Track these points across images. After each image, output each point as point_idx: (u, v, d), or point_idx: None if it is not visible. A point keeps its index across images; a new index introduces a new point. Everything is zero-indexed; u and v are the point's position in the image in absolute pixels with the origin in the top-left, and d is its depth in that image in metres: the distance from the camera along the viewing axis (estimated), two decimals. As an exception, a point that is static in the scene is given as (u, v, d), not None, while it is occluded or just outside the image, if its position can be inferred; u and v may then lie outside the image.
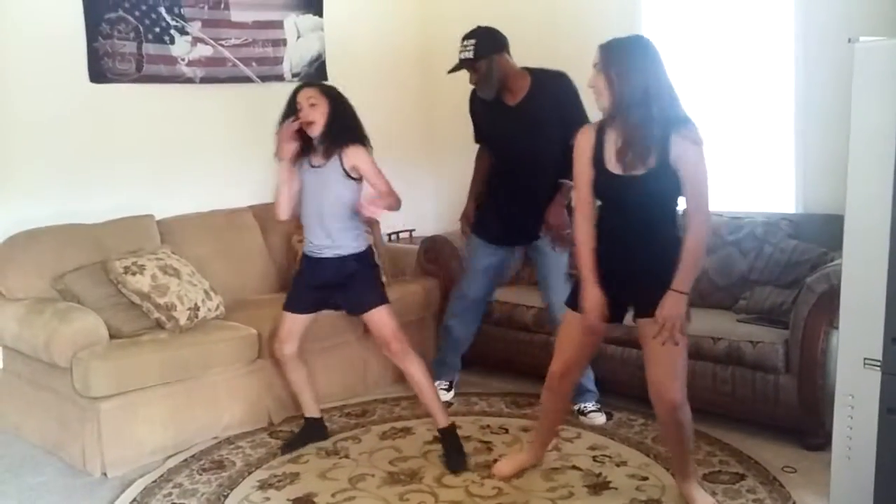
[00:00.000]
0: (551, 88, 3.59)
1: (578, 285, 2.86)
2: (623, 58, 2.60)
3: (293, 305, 3.45)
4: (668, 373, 2.72)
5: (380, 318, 3.35)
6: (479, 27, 3.67)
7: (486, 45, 3.60)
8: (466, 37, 3.64)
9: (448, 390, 4.07)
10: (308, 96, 3.26)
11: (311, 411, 3.59)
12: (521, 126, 3.60)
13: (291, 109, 3.29)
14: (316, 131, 3.27)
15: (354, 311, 3.47)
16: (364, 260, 3.39)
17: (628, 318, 2.88)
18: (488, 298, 4.06)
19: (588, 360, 3.09)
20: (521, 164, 3.65)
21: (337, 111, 3.29)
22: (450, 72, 3.69)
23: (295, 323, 3.45)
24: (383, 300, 3.38)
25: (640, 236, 2.69)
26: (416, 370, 3.34)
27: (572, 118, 3.36)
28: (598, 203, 2.82)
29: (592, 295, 2.75)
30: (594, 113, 2.86)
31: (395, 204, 3.34)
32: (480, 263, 3.92)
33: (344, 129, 3.29)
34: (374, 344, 4.11)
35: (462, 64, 3.63)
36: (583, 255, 2.78)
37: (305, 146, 3.31)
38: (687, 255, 2.62)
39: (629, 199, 2.68)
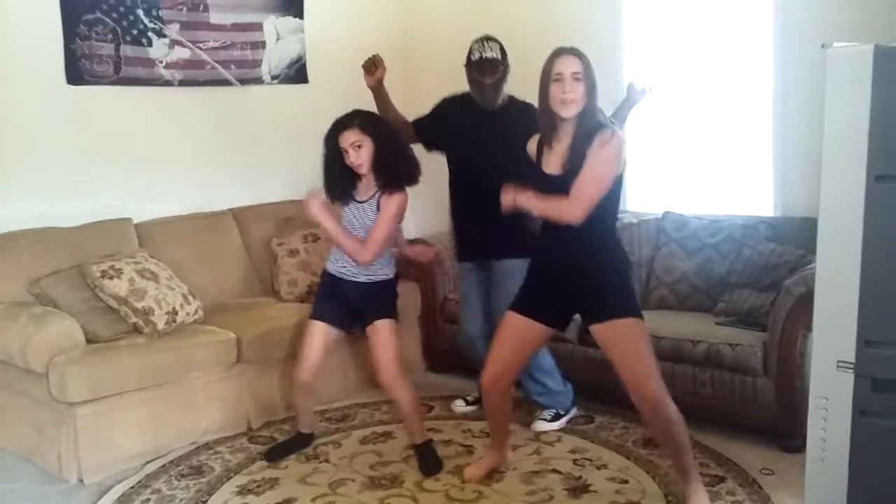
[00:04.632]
0: (527, 113, 3.39)
1: (522, 289, 2.96)
2: (591, 69, 2.73)
3: (322, 314, 3.38)
4: (639, 370, 2.74)
5: (383, 331, 3.30)
6: (491, 35, 3.60)
7: (507, 55, 3.57)
8: (487, 38, 3.56)
9: (467, 403, 4.03)
10: (352, 141, 3.21)
11: (307, 429, 3.57)
12: (498, 132, 3.52)
13: (332, 149, 3.25)
14: (364, 170, 3.25)
15: (363, 323, 3.37)
16: (391, 283, 3.39)
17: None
18: (486, 330, 3.74)
19: (524, 364, 3.09)
20: (487, 173, 3.37)
21: (381, 146, 3.23)
22: (467, 65, 3.57)
23: (324, 338, 3.37)
24: (391, 315, 3.35)
25: (576, 235, 2.73)
26: (401, 397, 3.33)
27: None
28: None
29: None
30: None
31: (358, 256, 3.23)
32: (463, 288, 3.91)
33: (392, 170, 3.25)
34: (354, 349, 4.12)
35: (487, 62, 3.52)
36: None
37: (350, 181, 3.30)
38: (550, 200, 2.72)
39: (555, 196, 2.75)
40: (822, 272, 2.39)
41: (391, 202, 3.24)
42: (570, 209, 2.68)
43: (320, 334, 3.37)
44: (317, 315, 3.40)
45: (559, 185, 2.73)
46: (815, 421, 2.45)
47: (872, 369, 2.31)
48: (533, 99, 2.91)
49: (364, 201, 3.29)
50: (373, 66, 3.70)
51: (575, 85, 2.69)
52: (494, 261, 3.71)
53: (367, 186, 3.30)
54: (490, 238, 3.67)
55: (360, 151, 3.21)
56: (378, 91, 3.76)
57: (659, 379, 2.74)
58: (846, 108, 2.26)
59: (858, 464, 2.36)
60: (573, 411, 3.80)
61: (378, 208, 3.25)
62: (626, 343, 2.75)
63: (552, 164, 2.79)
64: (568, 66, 2.70)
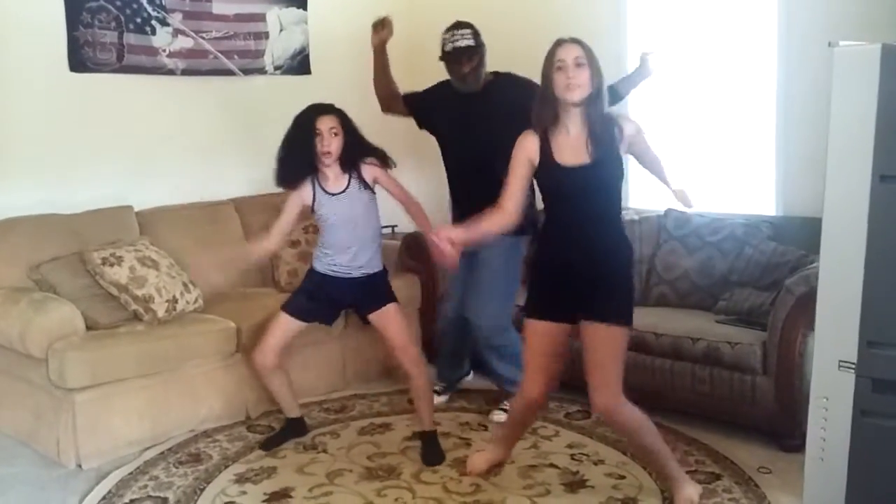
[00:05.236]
0: (517, 83, 3.54)
1: (532, 293, 2.94)
2: (594, 56, 2.74)
3: (296, 310, 3.39)
4: (603, 380, 2.75)
5: (397, 313, 3.35)
6: (460, 20, 3.61)
7: (478, 34, 3.58)
8: (459, 26, 3.58)
9: (439, 394, 4.01)
10: (330, 126, 3.22)
11: (293, 413, 3.57)
12: (487, 111, 3.52)
13: (306, 131, 3.22)
14: (331, 161, 3.25)
15: (367, 311, 3.40)
16: (383, 275, 3.43)
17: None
18: (459, 316, 3.80)
19: (562, 367, 3.01)
20: (482, 154, 3.47)
21: (350, 142, 3.28)
22: (442, 58, 3.59)
23: (289, 330, 3.40)
24: (394, 299, 3.40)
25: (590, 228, 2.76)
26: (420, 376, 3.36)
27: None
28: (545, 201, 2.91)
29: (457, 230, 2.90)
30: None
31: (420, 209, 3.41)
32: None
33: (355, 148, 3.29)
34: (354, 340, 4.12)
35: (461, 52, 3.53)
36: (482, 222, 2.86)
37: (306, 170, 3.28)
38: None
39: (582, 187, 2.75)
40: (825, 271, 2.39)
41: (374, 167, 3.32)
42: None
43: (285, 326, 3.39)
44: (288, 310, 3.40)
45: (588, 175, 2.72)
46: (815, 420, 2.45)
47: (874, 370, 2.31)
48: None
49: (342, 191, 3.29)
50: (380, 26, 3.70)
51: (578, 70, 2.69)
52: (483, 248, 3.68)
53: (336, 176, 3.30)
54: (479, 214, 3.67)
55: (334, 139, 3.22)
56: (380, 53, 3.76)
57: (618, 390, 2.75)
58: (852, 107, 2.26)
59: (858, 464, 2.36)
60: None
61: (366, 185, 3.30)
62: (605, 349, 2.76)
63: (568, 156, 2.75)
64: (570, 52, 2.70)
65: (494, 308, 3.67)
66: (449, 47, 3.56)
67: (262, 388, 3.79)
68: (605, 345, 2.76)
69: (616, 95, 3.51)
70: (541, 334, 2.88)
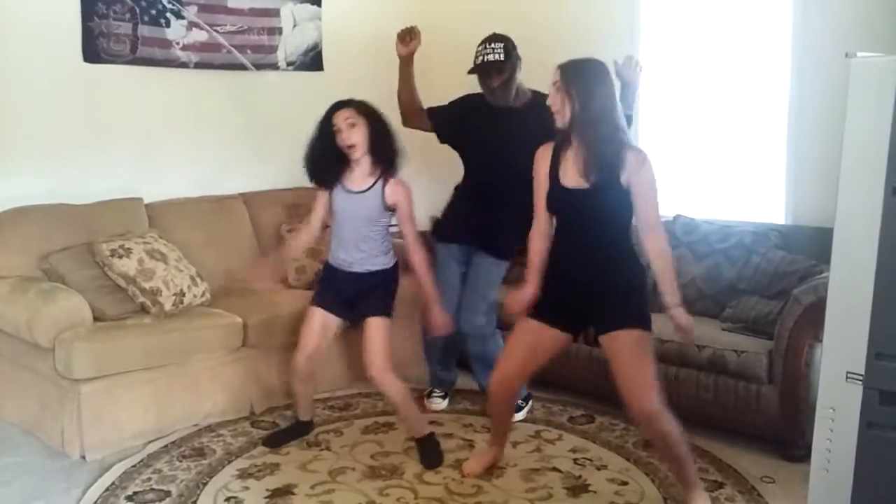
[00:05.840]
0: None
1: (538, 300, 2.94)
2: (585, 78, 2.69)
3: (322, 301, 3.35)
4: (638, 385, 2.73)
5: (376, 328, 3.26)
6: (497, 33, 3.57)
7: (512, 49, 3.53)
8: (491, 40, 3.53)
9: (443, 398, 3.99)
10: (346, 117, 3.17)
11: (307, 416, 3.56)
12: (517, 129, 3.49)
13: (326, 131, 3.19)
14: (358, 154, 3.19)
15: (359, 317, 3.35)
16: (390, 274, 3.36)
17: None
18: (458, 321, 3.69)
19: (533, 371, 3.05)
20: (504, 172, 3.49)
21: (376, 131, 3.20)
22: (471, 72, 3.56)
23: (321, 325, 3.33)
24: (386, 312, 3.30)
25: (596, 249, 2.76)
26: (390, 391, 3.30)
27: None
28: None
29: (529, 292, 2.92)
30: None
31: (422, 257, 3.29)
32: (443, 276, 3.72)
33: (388, 155, 3.22)
34: (358, 338, 4.11)
35: (489, 66, 3.49)
36: (532, 262, 2.93)
37: (337, 168, 3.24)
38: (665, 270, 2.78)
39: (581, 211, 2.75)
40: (835, 282, 2.38)
41: (405, 192, 3.24)
42: (663, 240, 2.78)
43: (319, 320, 3.35)
44: (317, 301, 3.38)
45: (586, 199, 2.72)
46: (821, 431, 2.44)
47: (882, 382, 2.30)
48: None
49: (363, 191, 3.23)
50: (408, 36, 3.63)
51: (554, 96, 2.71)
52: (482, 252, 3.71)
53: (362, 174, 3.23)
54: (490, 231, 3.67)
55: (353, 130, 3.16)
56: (406, 64, 3.70)
57: (656, 393, 2.73)
58: (867, 119, 2.25)
59: (863, 476, 2.35)
60: (529, 403, 3.86)
61: (384, 197, 3.21)
62: (629, 355, 2.75)
63: (571, 178, 2.76)
64: (551, 79, 2.73)
65: (483, 315, 3.74)
66: (479, 60, 3.52)
67: (267, 383, 3.81)
68: (624, 350, 2.75)
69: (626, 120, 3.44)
70: (529, 332, 2.91)
